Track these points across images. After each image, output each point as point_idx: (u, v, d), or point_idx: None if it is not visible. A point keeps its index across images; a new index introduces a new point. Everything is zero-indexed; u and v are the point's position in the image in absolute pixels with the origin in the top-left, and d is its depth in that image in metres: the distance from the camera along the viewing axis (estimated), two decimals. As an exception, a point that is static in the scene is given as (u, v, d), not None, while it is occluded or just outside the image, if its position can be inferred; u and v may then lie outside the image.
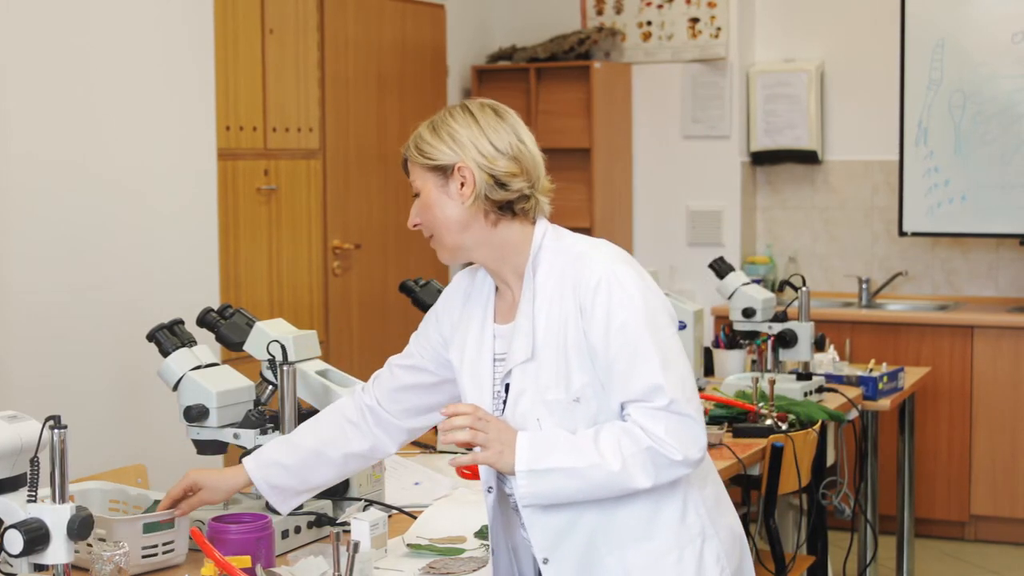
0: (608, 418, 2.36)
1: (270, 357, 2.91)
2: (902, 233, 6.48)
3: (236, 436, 2.81)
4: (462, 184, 2.38)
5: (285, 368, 2.78)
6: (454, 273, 6.93)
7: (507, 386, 2.41)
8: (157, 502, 2.72)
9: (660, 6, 6.93)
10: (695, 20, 6.86)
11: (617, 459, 2.28)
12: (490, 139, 2.39)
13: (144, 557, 2.56)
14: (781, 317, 4.52)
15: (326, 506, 2.87)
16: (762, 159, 6.86)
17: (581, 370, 2.35)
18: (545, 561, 2.40)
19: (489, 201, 2.39)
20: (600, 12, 7.08)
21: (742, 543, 2.54)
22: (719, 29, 6.80)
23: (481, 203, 2.38)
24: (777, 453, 3.80)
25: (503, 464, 2.33)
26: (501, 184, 2.38)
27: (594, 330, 2.32)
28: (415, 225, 2.45)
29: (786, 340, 4.47)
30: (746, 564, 2.54)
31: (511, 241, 2.42)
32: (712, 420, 3.99)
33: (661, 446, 2.29)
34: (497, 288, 2.50)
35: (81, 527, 2.16)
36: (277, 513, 2.73)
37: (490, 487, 2.49)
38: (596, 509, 2.37)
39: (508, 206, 2.40)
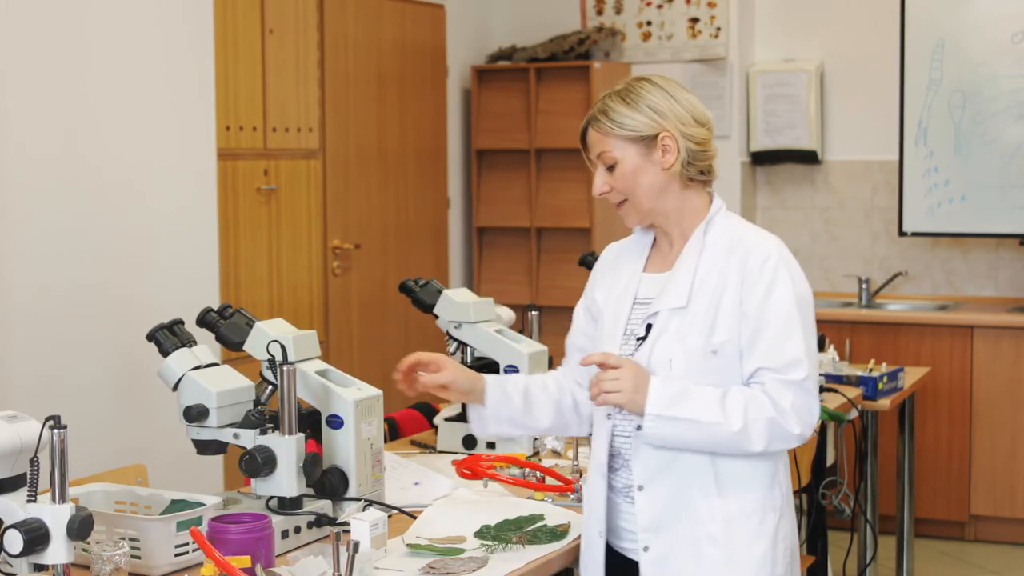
0: (732, 383, 2.51)
1: (270, 357, 2.91)
2: (902, 233, 6.48)
3: (236, 436, 2.81)
4: (663, 152, 2.54)
5: (285, 368, 2.78)
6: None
7: (648, 327, 2.56)
8: (174, 502, 2.72)
9: (660, 6, 6.93)
10: (695, 20, 6.86)
11: (739, 421, 2.46)
12: (685, 108, 2.58)
13: (176, 555, 2.56)
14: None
15: (326, 506, 2.87)
16: (762, 159, 6.87)
17: (726, 329, 2.51)
18: (640, 488, 2.55)
19: (690, 166, 2.57)
20: (600, 12, 7.08)
21: (796, 536, 2.70)
22: (719, 29, 6.80)
23: (682, 169, 2.56)
24: (777, 453, 3.79)
25: (634, 405, 2.48)
26: (700, 150, 2.57)
27: (753, 296, 2.50)
28: (602, 193, 2.59)
29: (786, 340, 4.46)
30: (796, 557, 2.68)
31: (692, 204, 2.61)
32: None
33: (784, 418, 2.48)
34: (654, 242, 2.68)
35: (81, 527, 2.16)
36: (278, 514, 2.74)
37: (609, 414, 2.61)
38: (699, 455, 2.52)
39: (700, 172, 2.59)
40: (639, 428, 2.52)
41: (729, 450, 2.50)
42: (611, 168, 2.58)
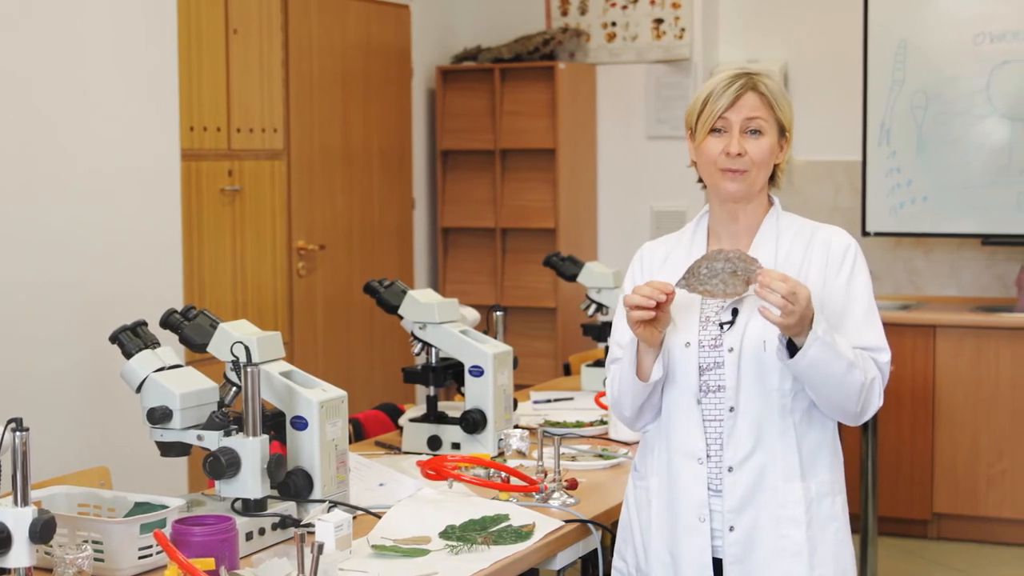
0: None
1: (234, 358, 2.90)
2: (865, 233, 6.52)
3: (200, 438, 2.80)
4: (782, 147, 2.71)
5: (249, 369, 2.78)
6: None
7: (734, 311, 2.62)
8: (138, 504, 2.70)
9: (624, 7, 6.95)
10: (659, 21, 6.88)
11: (873, 371, 2.59)
12: None
13: (140, 558, 2.55)
14: (745, 317, 4.53)
15: (290, 507, 2.86)
16: (726, 159, 6.88)
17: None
18: (730, 469, 2.62)
19: (783, 165, 2.74)
20: (565, 13, 7.09)
21: None
22: (683, 30, 6.82)
23: (781, 166, 2.73)
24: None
25: (797, 326, 2.47)
26: (787, 159, 2.76)
27: (838, 279, 2.64)
28: (739, 154, 2.63)
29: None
30: None
31: (764, 200, 2.74)
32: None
33: (880, 385, 2.62)
34: (708, 238, 2.76)
35: (43, 530, 2.15)
36: (242, 515, 2.73)
37: (699, 399, 2.63)
38: (787, 437, 2.61)
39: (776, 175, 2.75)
40: (791, 356, 2.51)
41: (847, 400, 2.56)
42: (752, 134, 2.65)
